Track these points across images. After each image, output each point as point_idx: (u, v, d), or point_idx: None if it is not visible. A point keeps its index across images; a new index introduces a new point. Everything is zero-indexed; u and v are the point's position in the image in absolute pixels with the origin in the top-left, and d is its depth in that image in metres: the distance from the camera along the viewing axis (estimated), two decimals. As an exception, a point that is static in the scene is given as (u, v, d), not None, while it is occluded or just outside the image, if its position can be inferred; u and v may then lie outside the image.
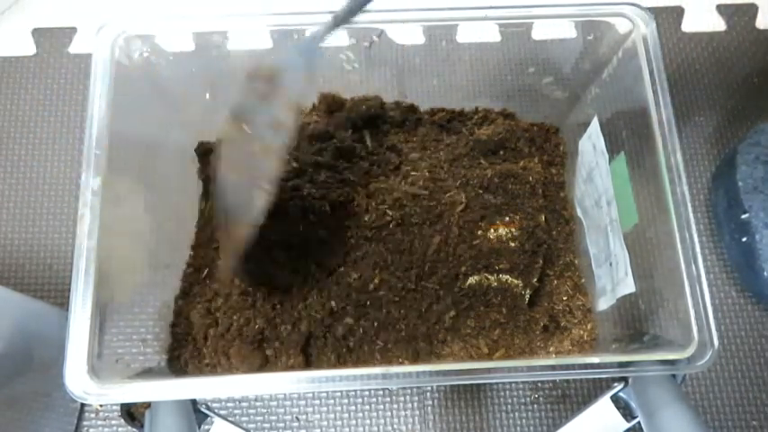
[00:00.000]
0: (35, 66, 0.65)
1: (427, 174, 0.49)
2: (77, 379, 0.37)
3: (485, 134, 0.52)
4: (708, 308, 0.39)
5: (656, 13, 0.66)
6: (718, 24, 0.68)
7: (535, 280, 0.48)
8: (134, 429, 0.43)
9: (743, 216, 0.55)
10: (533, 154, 0.54)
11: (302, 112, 0.50)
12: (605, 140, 0.49)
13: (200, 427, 0.42)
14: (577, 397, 0.55)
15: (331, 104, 0.53)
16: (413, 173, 0.49)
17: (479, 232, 0.48)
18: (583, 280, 0.53)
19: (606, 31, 0.47)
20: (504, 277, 0.47)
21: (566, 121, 0.59)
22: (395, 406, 0.54)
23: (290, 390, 0.39)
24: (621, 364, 0.39)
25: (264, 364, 0.46)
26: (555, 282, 0.52)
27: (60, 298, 0.57)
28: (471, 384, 0.55)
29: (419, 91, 0.57)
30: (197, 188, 0.57)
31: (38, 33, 0.66)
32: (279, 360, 0.46)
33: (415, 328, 0.47)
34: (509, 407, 0.55)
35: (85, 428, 0.53)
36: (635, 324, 0.46)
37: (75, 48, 0.66)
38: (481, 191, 0.48)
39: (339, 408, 0.54)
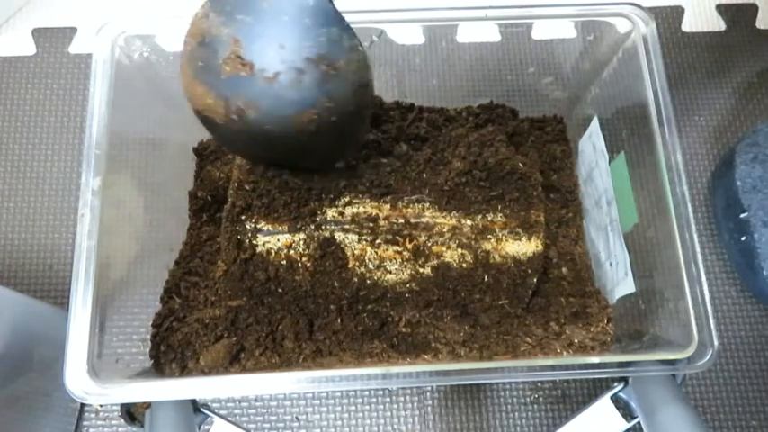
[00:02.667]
0: (35, 66, 0.65)
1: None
2: (77, 379, 0.37)
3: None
4: (708, 308, 0.39)
5: (656, 13, 0.66)
6: (718, 24, 0.68)
7: (535, 280, 0.48)
8: (134, 429, 0.43)
9: (742, 215, 0.55)
10: (535, 147, 0.54)
11: None
12: (605, 140, 0.50)
13: (200, 428, 0.42)
14: (577, 397, 0.55)
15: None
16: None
17: (479, 236, 0.48)
18: (583, 279, 0.53)
19: (606, 31, 0.47)
20: (504, 276, 0.47)
21: (565, 121, 0.59)
22: (395, 406, 0.54)
23: (290, 390, 0.39)
24: (621, 364, 0.39)
25: (237, 360, 0.46)
26: (555, 282, 0.52)
27: (60, 298, 0.57)
28: (471, 384, 0.55)
29: (419, 91, 0.57)
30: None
31: (38, 33, 0.66)
32: (255, 360, 0.46)
33: (416, 327, 0.47)
34: (509, 407, 0.55)
35: (85, 428, 0.53)
36: (635, 324, 0.46)
37: (75, 48, 0.66)
38: (482, 184, 0.48)
39: (339, 408, 0.54)
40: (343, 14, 0.46)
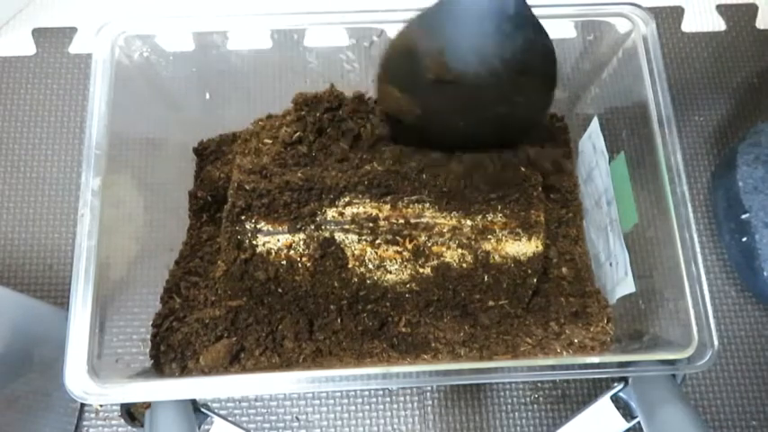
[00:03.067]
0: (35, 66, 0.65)
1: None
2: (77, 379, 0.37)
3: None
4: (708, 308, 0.39)
5: (656, 13, 0.66)
6: (718, 24, 0.68)
7: (535, 280, 0.48)
8: (134, 429, 0.43)
9: (743, 216, 0.55)
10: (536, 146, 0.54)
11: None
12: (605, 140, 0.50)
13: (200, 428, 0.42)
14: (577, 397, 0.55)
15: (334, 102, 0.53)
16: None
17: (479, 236, 0.48)
18: (583, 279, 0.53)
19: (606, 31, 0.47)
20: (504, 277, 0.47)
21: (565, 121, 0.59)
22: (395, 406, 0.55)
23: (290, 390, 0.39)
24: (621, 364, 0.39)
25: (237, 360, 0.46)
26: (555, 282, 0.52)
27: (60, 298, 0.57)
28: (471, 384, 0.55)
29: (419, 91, 0.57)
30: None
31: (38, 33, 0.66)
32: (255, 360, 0.46)
33: (416, 327, 0.47)
34: (509, 407, 0.55)
35: (85, 428, 0.53)
36: (635, 324, 0.46)
37: (75, 48, 0.66)
38: (482, 184, 0.48)
39: (339, 408, 0.54)
40: (342, 14, 0.46)
